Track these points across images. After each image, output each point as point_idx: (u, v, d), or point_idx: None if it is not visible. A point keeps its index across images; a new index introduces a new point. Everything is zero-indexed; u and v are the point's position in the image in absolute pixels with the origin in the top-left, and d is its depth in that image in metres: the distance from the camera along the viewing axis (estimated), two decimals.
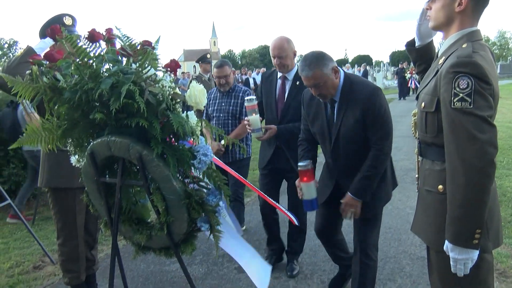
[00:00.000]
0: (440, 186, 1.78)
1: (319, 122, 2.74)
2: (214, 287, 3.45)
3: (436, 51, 2.06)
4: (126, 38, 1.83)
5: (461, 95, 1.62)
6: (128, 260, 3.83)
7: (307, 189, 2.64)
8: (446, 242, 1.71)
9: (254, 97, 3.30)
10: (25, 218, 4.38)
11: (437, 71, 1.77)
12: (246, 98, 3.26)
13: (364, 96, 2.51)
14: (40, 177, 2.88)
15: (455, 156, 1.63)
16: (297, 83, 3.28)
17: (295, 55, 3.36)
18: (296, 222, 2.55)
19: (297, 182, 2.68)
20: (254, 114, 3.17)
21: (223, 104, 4.17)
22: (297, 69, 3.24)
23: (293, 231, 3.62)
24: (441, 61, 1.79)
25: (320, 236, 3.05)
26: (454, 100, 1.63)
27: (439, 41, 2.33)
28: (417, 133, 2.03)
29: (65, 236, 2.92)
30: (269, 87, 3.47)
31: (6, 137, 5.08)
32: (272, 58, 3.33)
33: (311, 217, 4.59)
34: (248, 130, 3.29)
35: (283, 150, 3.38)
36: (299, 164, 2.65)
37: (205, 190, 1.83)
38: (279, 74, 3.39)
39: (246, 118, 3.26)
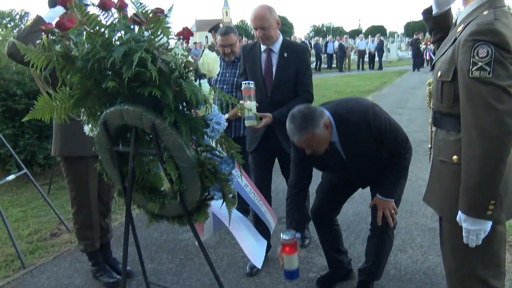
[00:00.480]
0: (455, 157, 1.76)
1: (330, 166, 2.64)
2: (226, 256, 3.50)
3: (454, 19, 2.00)
4: (138, 5, 1.80)
5: (480, 64, 1.58)
6: (142, 229, 3.90)
7: (289, 261, 2.43)
8: (459, 212, 1.70)
9: (252, 82, 2.89)
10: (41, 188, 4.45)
11: (455, 39, 1.73)
12: (242, 82, 2.89)
13: (364, 126, 2.36)
14: (53, 146, 2.92)
15: (472, 126, 1.61)
16: (285, 55, 3.05)
17: (278, 24, 3.07)
18: (270, 229, 2.52)
19: (278, 251, 2.43)
20: (249, 101, 2.81)
21: (227, 75, 3.86)
22: (283, 40, 3.09)
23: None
24: (459, 29, 1.74)
25: (315, 216, 2.91)
26: (473, 69, 1.59)
27: (457, 10, 2.28)
28: (431, 103, 2.00)
29: (79, 205, 2.97)
30: (252, 63, 3.15)
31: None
32: (254, 30, 3.06)
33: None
34: (239, 115, 3.10)
35: (273, 131, 3.08)
36: (283, 236, 2.36)
37: (218, 159, 1.83)
38: (263, 47, 3.11)
39: (241, 101, 2.82)
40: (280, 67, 3.06)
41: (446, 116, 1.83)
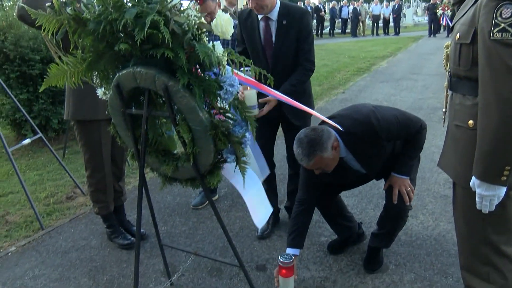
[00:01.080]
0: (471, 121, 1.73)
1: (343, 176, 2.66)
2: (238, 219, 3.55)
3: None
4: None
5: (502, 25, 1.52)
6: (155, 192, 3.95)
7: (285, 283, 2.45)
8: (473, 178, 1.68)
9: (248, 69, 2.35)
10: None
11: (476, 0, 1.67)
12: (241, 69, 2.56)
13: (372, 134, 2.36)
14: (66, 110, 2.93)
15: (490, 90, 1.57)
16: (284, 22, 2.86)
17: None
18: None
19: (275, 272, 2.46)
20: (248, 88, 2.54)
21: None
22: (280, 5, 2.89)
23: (293, 186, 3.28)
24: None
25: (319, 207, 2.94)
26: (494, 31, 1.54)
27: None
28: (448, 66, 1.95)
29: (92, 168, 3.01)
30: (250, 32, 2.97)
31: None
32: (246, 1, 2.88)
33: None
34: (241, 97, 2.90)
35: (277, 102, 2.90)
36: (280, 260, 2.37)
37: (231, 121, 1.82)
38: (260, 15, 2.92)
39: (240, 88, 2.48)
40: (280, 37, 2.89)
41: (463, 79, 1.79)
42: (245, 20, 3.01)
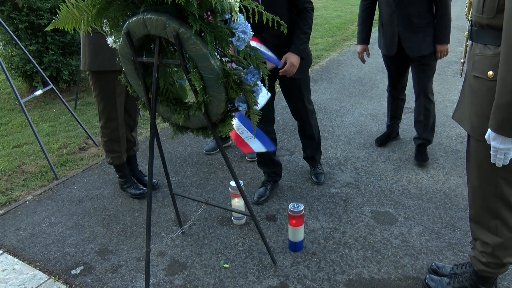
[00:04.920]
0: (490, 72, 1.67)
1: None
2: (249, 169, 3.58)
3: None
4: None
5: None
6: (167, 143, 3.98)
7: (294, 233, 2.53)
8: (489, 130, 1.65)
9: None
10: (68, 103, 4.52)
11: None
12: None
13: None
14: (82, 61, 2.91)
15: None
16: None
17: None
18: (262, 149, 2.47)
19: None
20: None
21: None
22: None
23: (305, 138, 3.30)
24: None
25: (392, 92, 3.74)
26: None
27: None
28: (469, 15, 1.88)
29: (106, 118, 3.01)
30: None
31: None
32: None
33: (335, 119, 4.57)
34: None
35: (275, 55, 2.65)
36: (291, 208, 2.48)
37: (243, 69, 1.79)
38: None
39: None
40: None
41: (485, 28, 1.71)
42: None
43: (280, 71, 2.76)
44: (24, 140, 4.39)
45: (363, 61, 3.70)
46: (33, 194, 3.37)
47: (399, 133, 4.05)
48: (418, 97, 3.51)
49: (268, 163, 3.18)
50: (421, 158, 3.56)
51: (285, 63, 2.75)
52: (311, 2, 2.79)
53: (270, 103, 3.00)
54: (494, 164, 1.70)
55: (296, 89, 3.00)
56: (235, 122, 2.23)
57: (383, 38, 3.44)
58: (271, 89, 2.97)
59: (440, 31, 3.21)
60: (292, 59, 2.73)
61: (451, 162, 3.56)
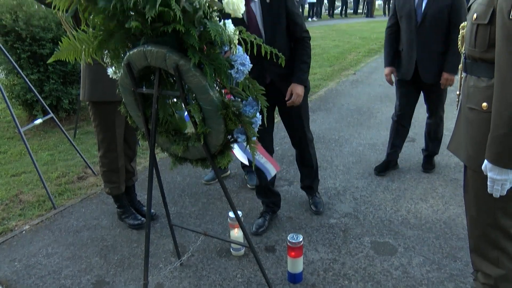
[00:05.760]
0: (484, 104, 1.69)
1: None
2: (248, 200, 3.56)
3: None
4: None
5: None
6: (165, 173, 3.97)
7: (293, 264, 2.53)
8: (485, 161, 1.66)
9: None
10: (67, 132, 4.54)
11: None
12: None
13: None
14: (82, 91, 2.94)
15: (507, 72, 1.53)
16: (267, 0, 2.67)
17: None
18: (269, 176, 2.48)
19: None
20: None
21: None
22: None
23: (303, 167, 3.32)
24: None
25: (400, 119, 3.83)
26: None
27: None
28: (463, 48, 1.91)
29: (106, 148, 3.02)
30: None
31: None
32: None
33: (339, 146, 4.59)
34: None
35: (274, 85, 2.87)
36: (290, 240, 2.49)
37: (242, 101, 1.81)
38: None
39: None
40: (267, 18, 2.69)
41: (478, 61, 1.75)
42: None
43: (288, 102, 2.84)
44: (22, 169, 4.38)
45: (391, 82, 3.83)
46: (30, 224, 3.34)
47: (398, 162, 4.06)
48: (430, 117, 3.85)
49: (267, 193, 3.17)
50: (428, 167, 3.98)
51: (291, 95, 2.82)
52: (308, 32, 2.86)
53: (269, 133, 3.03)
54: (492, 194, 1.70)
55: (296, 117, 3.03)
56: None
57: (402, 63, 3.63)
58: (270, 119, 2.99)
59: (450, 60, 3.34)
60: (298, 90, 2.81)
61: (450, 191, 3.55)
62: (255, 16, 2.71)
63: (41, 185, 3.79)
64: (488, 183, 1.67)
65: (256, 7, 2.70)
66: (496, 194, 1.67)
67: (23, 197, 3.76)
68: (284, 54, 2.67)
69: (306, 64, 2.84)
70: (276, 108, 3.08)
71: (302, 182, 3.39)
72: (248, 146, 1.82)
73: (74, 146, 4.11)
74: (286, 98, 2.84)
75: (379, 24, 16.43)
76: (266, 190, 3.15)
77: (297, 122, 3.06)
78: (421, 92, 3.75)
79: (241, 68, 1.71)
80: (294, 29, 2.79)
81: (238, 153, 2.54)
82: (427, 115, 3.89)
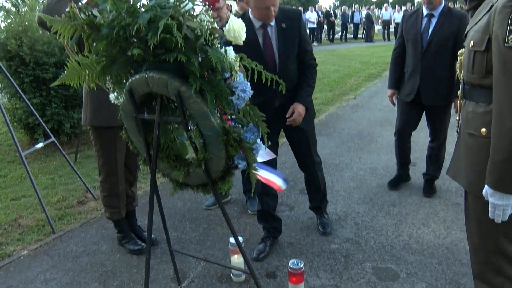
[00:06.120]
0: (483, 129, 1.70)
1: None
2: (249, 225, 3.54)
3: None
4: None
5: None
6: (166, 198, 3.96)
7: None
8: (486, 187, 1.65)
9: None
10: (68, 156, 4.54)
11: (491, 6, 1.65)
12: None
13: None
14: (83, 116, 2.96)
15: (505, 98, 1.54)
16: (283, 25, 2.80)
17: None
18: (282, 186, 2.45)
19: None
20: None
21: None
22: (279, 11, 2.78)
23: (311, 189, 3.35)
24: None
25: (400, 134, 3.96)
26: (509, 38, 1.52)
27: None
28: (461, 74, 1.93)
29: (106, 173, 3.02)
30: (248, 42, 2.53)
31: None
32: (257, 9, 2.70)
33: (340, 170, 4.59)
34: None
35: (284, 109, 2.92)
36: (291, 266, 2.52)
37: (243, 127, 1.82)
38: (257, 23, 2.78)
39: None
40: (282, 42, 2.82)
41: (476, 87, 1.76)
42: None
43: (288, 119, 2.89)
44: (22, 193, 4.37)
45: (394, 103, 4.03)
46: (28, 249, 3.32)
47: (398, 187, 4.08)
48: (433, 140, 3.90)
49: (269, 218, 3.15)
50: (429, 191, 3.96)
51: (292, 113, 2.88)
52: (315, 60, 2.99)
53: (272, 159, 3.02)
54: (493, 220, 1.69)
55: (304, 141, 3.09)
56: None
57: (405, 85, 3.77)
58: (275, 144, 3.01)
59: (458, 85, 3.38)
60: (299, 109, 2.88)
61: (452, 215, 3.53)
62: (270, 40, 2.83)
63: (41, 209, 3.77)
64: (489, 208, 1.67)
65: (272, 32, 2.83)
66: (498, 220, 1.66)
67: (22, 222, 3.74)
68: (293, 78, 2.91)
69: (310, 88, 2.95)
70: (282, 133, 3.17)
71: (310, 202, 3.44)
72: (248, 172, 1.82)
73: (74, 170, 4.11)
74: (287, 116, 2.88)
75: (379, 48, 16.63)
76: (268, 215, 3.14)
77: (305, 146, 3.11)
78: (424, 114, 3.84)
79: (242, 94, 1.73)
80: (304, 55, 2.92)
81: (279, 182, 2.46)
82: (429, 138, 3.93)
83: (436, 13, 3.53)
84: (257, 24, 2.79)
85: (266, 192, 3.02)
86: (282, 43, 2.82)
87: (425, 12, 3.59)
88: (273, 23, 2.81)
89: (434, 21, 3.53)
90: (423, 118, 3.91)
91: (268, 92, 2.52)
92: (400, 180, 4.17)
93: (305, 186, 3.39)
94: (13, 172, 4.97)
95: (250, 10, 2.79)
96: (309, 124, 3.07)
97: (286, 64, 2.85)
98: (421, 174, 4.16)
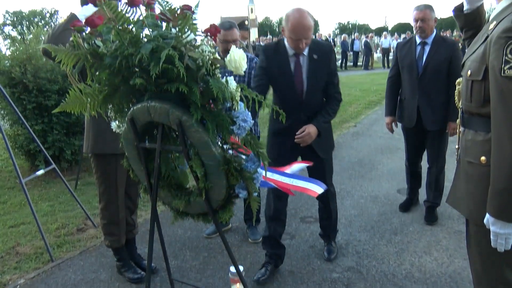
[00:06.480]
0: (483, 158, 1.71)
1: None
2: (249, 254, 3.50)
3: (486, 16, 1.95)
4: (165, 2, 1.81)
5: None
6: (166, 226, 3.93)
7: None
8: (487, 215, 1.64)
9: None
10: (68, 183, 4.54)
11: (487, 37, 1.68)
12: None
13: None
14: (85, 144, 2.97)
15: (503, 126, 1.56)
16: (314, 56, 2.96)
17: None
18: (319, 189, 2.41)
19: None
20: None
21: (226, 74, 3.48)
22: (310, 42, 2.92)
23: (323, 218, 3.40)
24: (491, 26, 1.68)
25: (410, 160, 4.12)
26: (505, 68, 1.54)
27: (489, 8, 2.22)
28: (460, 103, 1.95)
29: (107, 200, 3.01)
30: (280, 67, 2.97)
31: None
32: (291, 39, 2.86)
33: (346, 190, 4.58)
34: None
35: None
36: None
37: (243, 157, 1.82)
38: (291, 51, 2.95)
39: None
40: (311, 71, 2.98)
41: (475, 116, 1.78)
42: (273, 55, 3.01)
43: (296, 137, 2.94)
44: (21, 220, 4.34)
45: (392, 131, 4.18)
46: (26, 278, 3.27)
47: (400, 215, 4.06)
48: (431, 167, 3.96)
49: (274, 245, 3.16)
50: (430, 218, 3.95)
51: (302, 131, 2.95)
52: (341, 94, 3.15)
53: None
54: (496, 248, 1.67)
55: (321, 169, 3.12)
56: (280, 178, 2.25)
57: (404, 111, 3.90)
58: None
59: (453, 109, 3.50)
60: (311, 129, 2.94)
61: (455, 243, 3.50)
62: (301, 68, 2.99)
63: (40, 236, 3.74)
64: (491, 237, 1.66)
65: (303, 61, 2.99)
66: (501, 249, 1.65)
67: (20, 249, 3.71)
68: (318, 107, 3.06)
69: (329, 116, 3.06)
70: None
71: (321, 229, 3.48)
72: (249, 201, 1.82)
73: (75, 197, 4.09)
74: (298, 132, 2.94)
75: (379, 76, 16.78)
76: (273, 241, 3.16)
77: (321, 174, 3.06)
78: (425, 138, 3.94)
79: (243, 124, 1.74)
80: (330, 87, 3.06)
81: (315, 188, 2.44)
82: (427, 165, 3.96)
83: (429, 40, 3.70)
84: (290, 51, 2.96)
85: (279, 196, 3.10)
86: (311, 72, 2.97)
87: (418, 40, 3.76)
88: (305, 53, 2.97)
89: (427, 48, 3.70)
90: None
91: (294, 118, 2.87)
92: (410, 203, 4.27)
93: (318, 213, 3.46)
94: (12, 198, 4.96)
95: (285, 38, 2.97)
96: (327, 154, 3.19)
97: (313, 93, 3.01)
98: (422, 202, 4.15)
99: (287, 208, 3.22)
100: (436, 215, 4.00)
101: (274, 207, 3.12)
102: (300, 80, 2.98)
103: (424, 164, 4.10)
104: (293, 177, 2.34)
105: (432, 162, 3.92)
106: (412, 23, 3.78)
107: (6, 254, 3.64)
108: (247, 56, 3.54)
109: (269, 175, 2.32)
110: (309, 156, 3.02)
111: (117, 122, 2.08)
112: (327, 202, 3.29)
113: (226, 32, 3.43)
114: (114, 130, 2.12)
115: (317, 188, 2.35)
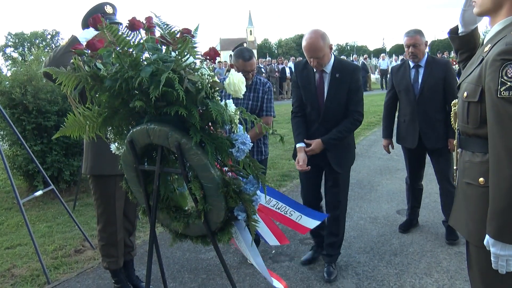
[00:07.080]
0: (481, 179, 1.71)
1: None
2: (248, 276, 3.47)
3: (481, 38, 1.97)
4: (165, 26, 1.84)
5: (508, 83, 1.55)
6: (165, 247, 3.90)
7: None
8: (487, 237, 1.64)
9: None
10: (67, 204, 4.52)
11: (482, 59, 1.70)
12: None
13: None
14: (84, 165, 2.97)
15: (500, 147, 1.57)
16: (337, 75, 3.13)
17: (331, 49, 3.12)
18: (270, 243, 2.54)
19: None
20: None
21: (240, 99, 3.46)
22: (334, 60, 3.16)
23: (329, 234, 3.45)
24: (486, 48, 1.71)
25: (411, 179, 4.14)
26: (501, 89, 1.56)
27: (483, 30, 2.25)
28: (457, 124, 1.96)
29: (105, 222, 2.99)
30: (306, 82, 3.25)
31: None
32: (307, 58, 3.13)
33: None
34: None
35: (327, 150, 3.23)
36: None
37: (243, 179, 1.83)
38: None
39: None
40: (332, 88, 3.15)
41: (472, 137, 1.79)
42: (301, 71, 3.29)
43: (306, 149, 3.20)
44: (18, 241, 4.31)
45: (389, 152, 4.27)
46: None
47: (400, 236, 4.03)
48: (441, 183, 3.92)
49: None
50: (452, 237, 3.91)
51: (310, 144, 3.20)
52: (360, 114, 3.24)
53: (316, 184, 3.50)
54: (497, 270, 1.66)
55: (335, 182, 3.30)
56: (281, 205, 2.29)
57: (405, 133, 3.94)
58: (316, 186, 3.52)
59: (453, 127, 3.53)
60: (314, 145, 3.18)
61: (455, 265, 3.47)
62: (323, 84, 3.20)
63: (36, 258, 3.71)
64: (492, 259, 1.64)
65: (326, 77, 3.19)
66: (502, 271, 1.63)
67: (16, 271, 3.66)
68: (337, 122, 3.18)
69: (339, 134, 3.18)
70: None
71: (325, 249, 3.49)
72: (248, 224, 1.81)
73: (73, 218, 4.07)
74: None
75: (377, 97, 16.86)
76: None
77: (335, 188, 3.32)
78: (428, 158, 3.98)
79: (242, 147, 1.75)
80: (350, 103, 3.19)
81: (308, 223, 2.51)
82: (438, 186, 3.98)
83: (422, 63, 3.80)
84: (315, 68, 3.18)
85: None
86: (332, 89, 3.16)
87: (411, 64, 3.86)
88: (328, 71, 3.17)
89: (421, 71, 3.80)
90: (427, 166, 4.05)
91: (314, 129, 3.25)
92: (410, 224, 4.27)
93: (325, 230, 3.48)
94: (9, 219, 4.92)
95: None
96: (342, 168, 3.29)
97: (331, 108, 3.18)
98: (421, 223, 4.14)
99: (287, 229, 3.24)
100: (457, 234, 3.95)
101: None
102: (321, 95, 3.19)
103: (425, 183, 4.12)
104: (291, 205, 2.36)
105: (441, 178, 3.91)
106: (405, 48, 3.88)
107: (1, 277, 3.60)
108: (260, 80, 3.70)
109: (268, 199, 2.35)
110: (329, 170, 3.27)
111: (116, 144, 2.09)
112: (335, 215, 3.37)
113: (246, 63, 3.47)
114: (113, 152, 2.13)
115: (311, 223, 2.36)
